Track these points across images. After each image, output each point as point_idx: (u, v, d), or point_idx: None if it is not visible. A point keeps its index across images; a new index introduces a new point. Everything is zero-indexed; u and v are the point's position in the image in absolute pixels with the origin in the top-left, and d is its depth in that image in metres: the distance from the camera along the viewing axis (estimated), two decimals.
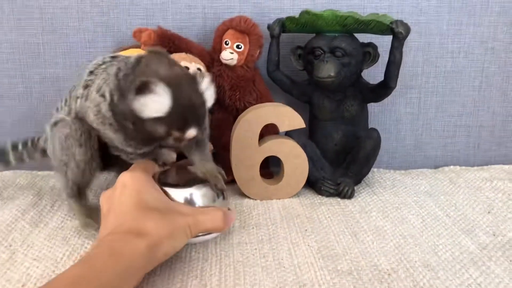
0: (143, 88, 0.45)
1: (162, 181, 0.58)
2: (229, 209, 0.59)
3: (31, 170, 0.84)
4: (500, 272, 0.52)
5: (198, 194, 0.57)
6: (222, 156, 0.82)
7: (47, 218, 0.66)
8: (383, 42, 0.75)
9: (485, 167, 0.88)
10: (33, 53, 0.82)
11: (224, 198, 0.60)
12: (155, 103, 0.46)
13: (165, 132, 0.49)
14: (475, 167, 0.87)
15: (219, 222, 0.54)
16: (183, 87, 0.48)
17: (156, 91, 0.46)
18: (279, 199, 0.73)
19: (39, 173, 0.83)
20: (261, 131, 0.71)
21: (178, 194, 0.56)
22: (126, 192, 0.51)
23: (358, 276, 0.51)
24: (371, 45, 0.73)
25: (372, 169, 0.78)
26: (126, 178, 0.52)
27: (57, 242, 0.59)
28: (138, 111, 0.47)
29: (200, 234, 0.55)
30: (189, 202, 0.56)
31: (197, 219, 0.52)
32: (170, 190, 0.56)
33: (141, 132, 0.51)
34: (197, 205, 0.56)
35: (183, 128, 0.49)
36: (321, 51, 0.72)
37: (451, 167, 0.88)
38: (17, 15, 0.81)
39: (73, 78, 0.63)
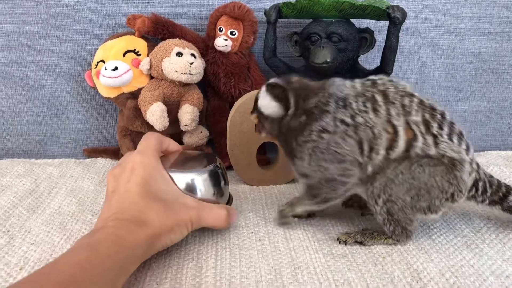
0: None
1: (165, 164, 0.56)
2: (230, 199, 0.61)
3: (29, 158, 0.85)
4: (493, 254, 0.53)
5: (199, 180, 0.56)
6: (218, 142, 0.83)
7: (44, 204, 0.66)
8: (379, 28, 0.75)
9: (481, 152, 0.88)
10: (29, 41, 0.82)
11: (225, 183, 0.60)
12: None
13: None
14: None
15: (221, 221, 0.54)
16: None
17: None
18: (276, 184, 0.74)
19: (37, 161, 0.83)
20: None
21: (180, 179, 0.55)
22: (134, 178, 0.50)
23: (353, 259, 0.52)
24: (367, 30, 0.73)
25: None
26: (136, 161, 0.51)
27: (54, 227, 0.59)
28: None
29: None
30: (190, 187, 0.55)
31: (200, 215, 0.52)
32: (172, 174, 0.55)
33: None
34: (198, 189, 0.55)
35: None
36: (318, 37, 0.72)
37: None
38: (11, 2, 0.80)
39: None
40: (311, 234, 0.57)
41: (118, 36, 0.78)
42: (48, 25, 0.82)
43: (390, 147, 0.50)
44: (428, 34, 0.85)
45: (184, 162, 0.58)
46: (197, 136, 0.78)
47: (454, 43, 0.86)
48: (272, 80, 0.56)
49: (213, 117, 0.82)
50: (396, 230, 0.53)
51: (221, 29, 0.77)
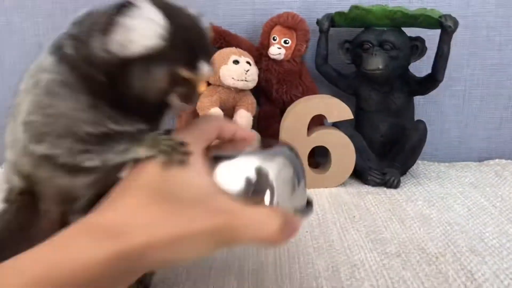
0: (122, 12, 0.32)
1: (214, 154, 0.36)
2: (309, 203, 0.39)
3: None
4: None
5: (273, 170, 0.35)
6: None
7: None
8: (429, 36, 0.77)
9: None
10: None
11: (303, 177, 0.38)
12: (145, 29, 0.32)
13: (167, 76, 0.34)
14: None
15: (270, 232, 0.33)
16: (174, 7, 0.35)
17: (142, 12, 0.32)
18: (326, 187, 0.76)
19: None
20: None
21: (230, 169, 0.35)
22: (148, 169, 0.34)
23: (407, 258, 0.54)
24: (419, 39, 0.75)
25: (416, 161, 0.80)
26: None
27: None
28: (118, 50, 0.32)
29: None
30: (247, 180, 0.34)
31: (234, 223, 0.33)
32: (222, 164, 0.35)
33: (126, 90, 0.34)
34: (273, 184, 0.35)
35: (193, 62, 0.34)
36: (370, 45, 0.74)
37: (496, 160, 0.88)
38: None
39: None
40: (364, 234, 0.60)
41: None
42: None
43: None
44: (479, 42, 0.86)
45: (248, 153, 0.37)
46: None
47: (505, 51, 0.86)
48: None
49: (265, 122, 0.86)
50: None
51: (275, 38, 0.80)
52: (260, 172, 0.34)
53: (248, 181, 0.34)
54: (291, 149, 0.38)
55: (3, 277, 0.29)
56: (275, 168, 0.35)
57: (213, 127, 0.39)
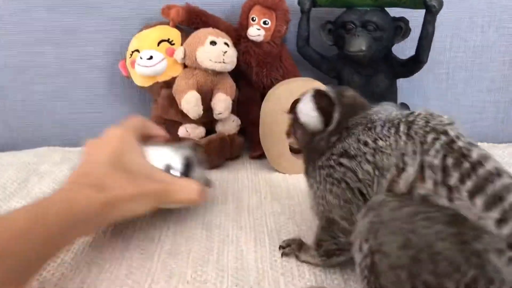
0: None
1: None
2: (207, 182, 0.59)
3: (63, 147, 0.86)
4: None
5: (175, 156, 0.56)
6: (249, 131, 0.83)
7: None
8: (413, 17, 0.75)
9: None
10: (64, 31, 0.84)
11: (201, 165, 0.59)
12: None
13: None
14: (504, 144, 0.87)
15: (193, 194, 0.53)
16: None
17: None
18: None
19: (71, 149, 0.85)
20: None
21: (156, 155, 0.55)
22: (106, 148, 0.51)
23: None
24: (402, 19, 0.73)
25: None
26: (113, 134, 0.53)
27: None
28: None
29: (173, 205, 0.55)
30: (166, 164, 0.55)
31: (170, 189, 0.52)
32: (148, 150, 0.54)
33: None
34: (172, 166, 0.55)
35: None
36: (353, 25, 0.72)
37: (479, 143, 0.87)
38: None
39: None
40: None
41: (152, 26, 0.79)
42: (83, 15, 0.83)
43: (391, 186, 0.39)
44: (461, 24, 0.84)
45: (163, 144, 0.59)
46: (230, 125, 0.79)
47: (488, 33, 0.85)
48: (322, 88, 0.48)
49: (245, 106, 0.83)
50: None
51: (253, 18, 0.77)
52: (168, 157, 0.56)
53: (167, 163, 0.55)
54: (195, 144, 0.61)
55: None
56: (183, 154, 0.57)
57: (140, 123, 0.58)
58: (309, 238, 0.53)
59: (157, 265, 0.49)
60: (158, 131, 0.61)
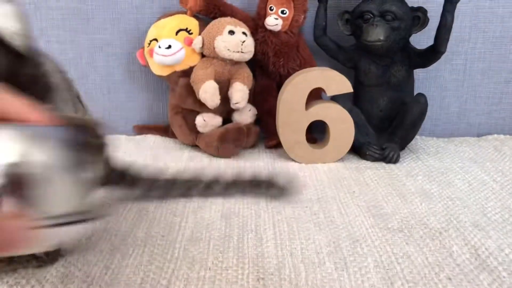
0: None
1: None
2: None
3: None
4: None
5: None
6: (265, 121, 0.84)
7: None
8: (431, 7, 0.74)
9: None
10: (82, 19, 0.85)
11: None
12: None
13: None
14: None
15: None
16: None
17: None
18: (324, 163, 0.74)
19: None
20: None
21: None
22: None
23: (410, 234, 0.52)
24: (421, 9, 0.72)
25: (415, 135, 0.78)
26: None
27: None
28: None
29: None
30: None
31: None
32: None
33: None
34: None
35: None
36: (371, 15, 0.72)
37: (495, 135, 0.87)
38: None
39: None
40: (365, 209, 0.58)
41: (170, 15, 0.80)
42: (102, 3, 0.84)
43: None
44: (481, 14, 0.83)
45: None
46: (246, 114, 0.80)
47: (507, 23, 0.84)
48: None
49: (261, 96, 0.83)
50: None
51: (271, 8, 0.77)
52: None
53: None
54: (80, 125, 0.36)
55: None
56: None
57: None
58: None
59: (179, 252, 0.50)
60: (22, 110, 0.32)
